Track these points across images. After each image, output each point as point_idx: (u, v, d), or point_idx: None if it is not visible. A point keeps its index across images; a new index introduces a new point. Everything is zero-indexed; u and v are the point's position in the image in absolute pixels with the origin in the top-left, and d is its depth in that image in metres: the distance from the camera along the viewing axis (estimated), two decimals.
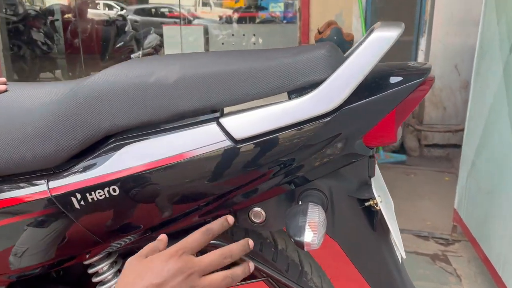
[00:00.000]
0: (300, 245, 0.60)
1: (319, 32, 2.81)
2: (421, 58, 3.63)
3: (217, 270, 0.60)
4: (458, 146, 3.48)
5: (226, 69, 0.63)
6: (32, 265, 0.73)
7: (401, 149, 3.64)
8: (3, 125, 0.69)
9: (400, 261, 0.77)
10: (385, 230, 0.73)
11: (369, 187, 0.69)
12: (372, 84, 0.63)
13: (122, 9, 6.38)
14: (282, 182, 0.66)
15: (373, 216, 0.71)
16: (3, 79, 0.80)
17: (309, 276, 0.79)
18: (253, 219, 0.70)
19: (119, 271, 0.77)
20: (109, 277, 0.76)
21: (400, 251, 0.71)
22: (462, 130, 3.19)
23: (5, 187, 0.70)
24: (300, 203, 0.68)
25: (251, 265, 0.64)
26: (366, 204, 0.68)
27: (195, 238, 0.61)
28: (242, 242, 0.63)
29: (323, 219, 0.62)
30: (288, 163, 0.64)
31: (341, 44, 2.83)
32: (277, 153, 0.63)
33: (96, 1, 6.58)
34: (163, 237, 0.63)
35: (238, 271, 0.62)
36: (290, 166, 0.65)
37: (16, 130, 0.68)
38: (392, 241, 0.75)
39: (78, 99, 0.65)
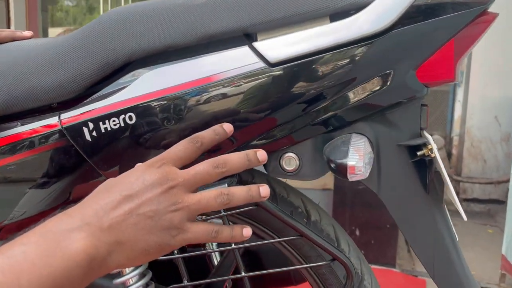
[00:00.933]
0: (342, 169, 0.50)
1: None
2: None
3: None
4: (501, 202, 3.26)
5: None
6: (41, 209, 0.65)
7: None
8: (13, 60, 0.65)
9: (457, 238, 0.64)
10: (439, 195, 0.62)
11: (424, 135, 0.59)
12: (427, 8, 0.56)
13: None
14: (319, 119, 0.57)
15: (425, 174, 0.60)
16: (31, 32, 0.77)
17: (346, 255, 0.66)
18: (284, 166, 0.60)
19: None
20: None
21: (460, 212, 0.59)
22: (505, 181, 3.00)
23: (18, 122, 0.64)
24: (325, 147, 0.58)
25: (262, 189, 0.51)
26: (419, 153, 0.58)
27: (179, 147, 0.51)
28: (240, 153, 0.52)
29: (370, 151, 0.52)
30: (327, 94, 0.56)
31: None
32: (316, 80, 0.55)
33: None
34: None
35: (238, 190, 0.50)
36: (329, 99, 0.56)
37: (27, 63, 0.63)
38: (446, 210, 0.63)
39: (100, 25, 0.61)
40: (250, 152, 0.52)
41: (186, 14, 0.58)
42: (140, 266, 0.69)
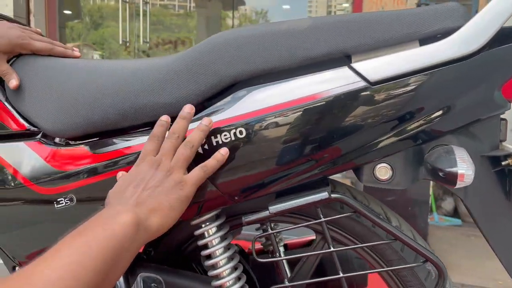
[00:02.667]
0: (452, 177, 0.55)
1: None
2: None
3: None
4: None
5: (356, 16, 0.64)
6: None
7: (455, 214, 3.47)
8: (124, 79, 0.71)
9: None
10: None
11: (504, 147, 0.65)
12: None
13: None
14: (412, 132, 0.63)
15: (506, 182, 0.66)
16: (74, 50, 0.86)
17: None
18: (377, 175, 0.66)
19: (225, 237, 0.73)
20: (215, 241, 0.72)
21: None
22: None
23: (129, 135, 0.70)
24: (426, 156, 0.64)
25: (223, 151, 0.64)
26: (504, 163, 0.64)
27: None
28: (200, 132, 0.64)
29: (471, 161, 0.58)
30: (420, 110, 0.62)
31: None
32: (411, 98, 0.61)
33: None
34: None
35: (211, 162, 0.64)
36: (422, 114, 0.62)
37: (138, 83, 0.69)
38: None
39: (207, 48, 0.67)
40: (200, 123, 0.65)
41: (289, 39, 0.64)
42: (236, 270, 0.74)
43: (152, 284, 0.67)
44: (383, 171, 0.66)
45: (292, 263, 0.90)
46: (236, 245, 0.90)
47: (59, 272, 0.49)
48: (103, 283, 0.52)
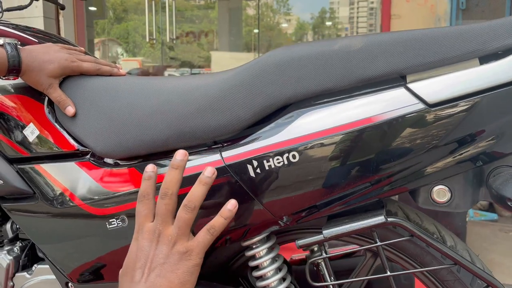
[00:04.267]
0: None
1: None
2: None
3: None
4: None
5: (411, 34, 0.62)
6: None
7: (490, 208, 3.38)
8: (175, 99, 0.71)
9: None
10: None
11: None
12: None
13: None
14: (472, 155, 0.61)
15: None
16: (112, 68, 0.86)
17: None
18: (435, 198, 0.64)
19: (276, 259, 0.73)
20: (267, 262, 0.72)
21: None
22: None
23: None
24: (491, 180, 0.61)
25: (230, 206, 0.62)
26: None
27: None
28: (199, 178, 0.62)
29: None
30: (481, 132, 0.60)
31: None
32: (470, 120, 0.59)
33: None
34: None
35: (218, 221, 0.61)
36: (484, 137, 0.60)
37: (189, 103, 0.69)
38: None
39: (258, 69, 0.66)
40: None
41: (343, 59, 0.62)
42: (277, 261, 0.74)
43: None
44: (441, 193, 0.64)
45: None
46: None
47: None
48: None
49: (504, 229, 2.88)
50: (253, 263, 0.73)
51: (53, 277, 0.87)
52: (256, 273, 0.75)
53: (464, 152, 0.61)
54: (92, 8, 5.00)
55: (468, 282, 0.71)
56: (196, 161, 0.69)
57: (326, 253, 0.66)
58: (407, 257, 0.74)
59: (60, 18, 4.08)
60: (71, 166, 0.79)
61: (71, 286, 0.85)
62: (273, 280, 0.73)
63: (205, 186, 0.61)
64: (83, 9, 4.21)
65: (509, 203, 0.55)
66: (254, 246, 0.72)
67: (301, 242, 0.66)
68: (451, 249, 0.71)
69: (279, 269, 0.74)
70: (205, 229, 0.61)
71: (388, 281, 0.74)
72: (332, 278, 0.72)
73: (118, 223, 0.74)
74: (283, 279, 0.75)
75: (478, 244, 2.54)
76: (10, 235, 0.93)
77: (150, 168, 0.64)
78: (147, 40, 4.26)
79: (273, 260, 0.72)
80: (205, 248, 0.60)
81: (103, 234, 0.76)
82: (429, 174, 0.62)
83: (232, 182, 0.66)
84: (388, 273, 0.65)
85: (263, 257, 0.72)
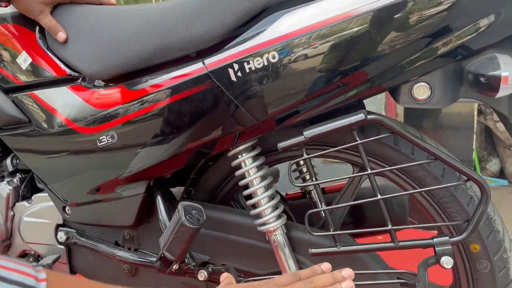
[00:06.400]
0: (495, 81, 0.53)
1: None
2: None
3: None
4: None
5: None
6: (179, 148, 0.72)
7: (501, 175, 3.34)
8: (157, 17, 0.72)
9: None
10: None
11: None
12: None
13: None
14: (451, 47, 0.61)
15: None
16: None
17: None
18: (415, 95, 0.64)
19: (261, 167, 0.74)
20: (252, 171, 0.73)
21: None
22: None
23: (163, 71, 0.72)
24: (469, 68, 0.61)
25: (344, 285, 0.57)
26: None
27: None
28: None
29: None
30: (460, 22, 0.59)
31: None
32: (449, 10, 0.58)
33: None
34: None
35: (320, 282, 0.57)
36: (461, 27, 0.59)
37: (171, 17, 0.70)
38: None
39: None
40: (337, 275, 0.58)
41: None
42: (274, 199, 0.75)
43: (193, 211, 0.69)
44: (421, 90, 0.64)
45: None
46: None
47: None
48: None
49: None
50: (239, 172, 0.74)
51: (51, 203, 0.90)
52: (246, 192, 0.77)
53: (443, 45, 0.60)
54: None
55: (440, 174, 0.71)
56: (180, 71, 0.70)
57: (307, 155, 0.67)
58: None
59: None
60: (63, 90, 0.81)
61: (68, 210, 0.88)
62: (262, 197, 0.74)
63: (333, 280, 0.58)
64: None
65: (482, 79, 0.55)
66: (239, 156, 0.74)
67: (282, 143, 0.66)
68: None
69: (272, 198, 0.75)
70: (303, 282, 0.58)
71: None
72: (323, 204, 0.72)
73: (108, 140, 0.76)
74: (272, 197, 0.76)
75: None
76: (11, 168, 0.96)
77: (325, 266, 0.61)
78: None
79: (262, 178, 0.74)
80: None
81: (95, 152, 0.78)
82: (408, 70, 0.62)
83: (214, 88, 0.67)
84: (379, 196, 0.65)
85: (252, 175, 0.73)
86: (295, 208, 0.96)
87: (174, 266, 0.73)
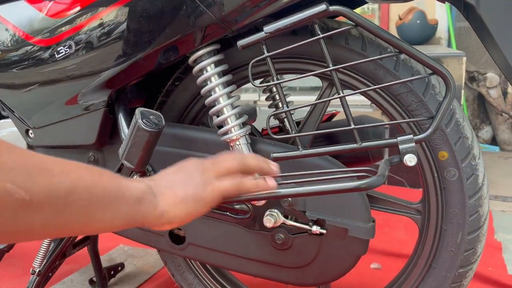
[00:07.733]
0: None
1: (400, 19, 2.72)
2: None
3: None
4: None
5: None
6: (137, 54, 0.70)
7: (493, 142, 3.33)
8: None
9: None
10: None
11: None
12: None
13: None
14: None
15: None
16: None
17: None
18: None
19: (222, 73, 0.72)
20: (214, 78, 0.71)
21: None
22: None
23: None
24: None
25: (270, 183, 0.57)
26: None
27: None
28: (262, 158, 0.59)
29: None
30: None
31: (424, 28, 2.71)
32: None
33: None
34: None
35: (249, 182, 0.56)
36: None
37: None
38: None
39: None
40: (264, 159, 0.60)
41: None
42: (242, 116, 0.73)
43: (151, 116, 0.66)
44: None
45: None
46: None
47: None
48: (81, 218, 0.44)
49: (504, 156, 2.85)
50: (201, 78, 0.72)
51: (15, 129, 0.87)
52: (212, 110, 0.74)
53: None
54: None
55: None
56: None
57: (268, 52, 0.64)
58: (360, 75, 0.71)
59: None
60: (22, 4, 0.78)
61: (31, 133, 0.85)
62: (225, 104, 0.71)
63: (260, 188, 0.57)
64: None
65: None
66: (202, 62, 0.71)
67: (242, 41, 0.64)
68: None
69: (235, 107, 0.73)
70: (234, 181, 0.56)
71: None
72: (286, 106, 0.69)
73: (66, 50, 0.74)
74: (239, 115, 0.73)
75: None
76: None
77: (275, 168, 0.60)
78: None
79: (224, 85, 0.71)
80: (222, 195, 0.56)
81: (54, 64, 0.75)
82: None
83: None
84: (341, 94, 0.62)
85: (214, 82, 0.71)
86: None
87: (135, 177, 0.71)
